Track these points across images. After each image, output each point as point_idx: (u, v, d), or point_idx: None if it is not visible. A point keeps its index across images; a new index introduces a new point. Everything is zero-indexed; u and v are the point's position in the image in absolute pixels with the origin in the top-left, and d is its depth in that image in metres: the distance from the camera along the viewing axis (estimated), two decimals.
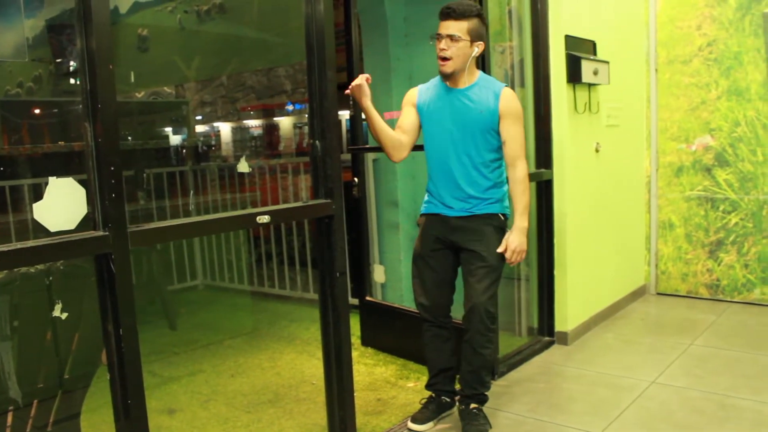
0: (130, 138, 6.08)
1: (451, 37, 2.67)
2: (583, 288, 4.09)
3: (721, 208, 4.68)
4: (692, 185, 4.78)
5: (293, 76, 10.08)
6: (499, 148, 2.81)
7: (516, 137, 2.77)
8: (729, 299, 4.71)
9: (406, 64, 4.38)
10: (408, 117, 2.90)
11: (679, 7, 4.71)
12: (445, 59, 2.69)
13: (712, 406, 3.03)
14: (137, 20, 5.34)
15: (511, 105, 2.76)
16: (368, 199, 4.29)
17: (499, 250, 2.77)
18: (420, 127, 2.91)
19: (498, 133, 2.77)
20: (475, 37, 2.71)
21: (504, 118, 2.74)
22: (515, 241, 2.76)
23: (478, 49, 2.73)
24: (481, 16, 2.74)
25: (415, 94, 2.91)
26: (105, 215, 1.84)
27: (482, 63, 3.29)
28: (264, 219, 2.29)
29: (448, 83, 2.80)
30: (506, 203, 2.89)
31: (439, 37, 2.70)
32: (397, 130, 2.88)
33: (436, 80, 2.89)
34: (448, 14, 2.68)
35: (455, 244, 2.85)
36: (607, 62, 4.08)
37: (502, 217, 2.85)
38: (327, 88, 2.48)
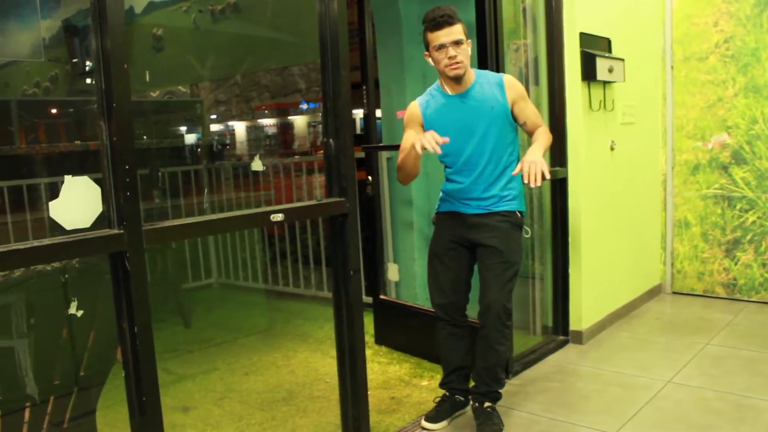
0: (145, 137, 6.12)
1: (457, 42, 2.67)
2: (597, 287, 4.07)
3: (738, 206, 4.64)
4: (709, 183, 4.74)
5: (307, 75, 10.10)
6: (513, 140, 2.84)
7: (533, 113, 2.85)
8: (746, 299, 4.67)
9: (420, 62, 4.36)
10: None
11: (695, 4, 4.67)
12: (457, 63, 2.68)
13: (728, 406, 3.00)
14: (152, 20, 5.37)
15: (517, 90, 2.81)
16: (382, 198, 4.29)
17: (516, 168, 2.61)
18: None
19: (511, 123, 2.81)
20: (467, 35, 2.74)
21: (516, 102, 2.79)
22: (531, 155, 2.61)
23: (469, 47, 2.76)
24: None
25: (418, 114, 2.87)
26: (120, 213, 1.85)
27: (496, 61, 3.28)
28: (278, 217, 2.29)
29: (452, 89, 2.79)
30: (523, 201, 2.89)
31: (443, 46, 2.67)
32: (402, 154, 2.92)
33: (432, 91, 2.88)
34: (444, 22, 2.66)
35: (472, 241, 2.84)
36: (622, 59, 4.05)
37: (519, 215, 2.85)
38: (341, 87, 2.48)
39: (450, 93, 2.80)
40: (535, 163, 2.55)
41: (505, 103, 2.76)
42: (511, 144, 2.83)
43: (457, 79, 2.74)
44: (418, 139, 2.54)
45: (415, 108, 2.90)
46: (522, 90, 2.82)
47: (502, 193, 2.80)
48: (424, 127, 2.85)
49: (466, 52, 2.71)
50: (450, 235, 2.88)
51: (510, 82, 2.80)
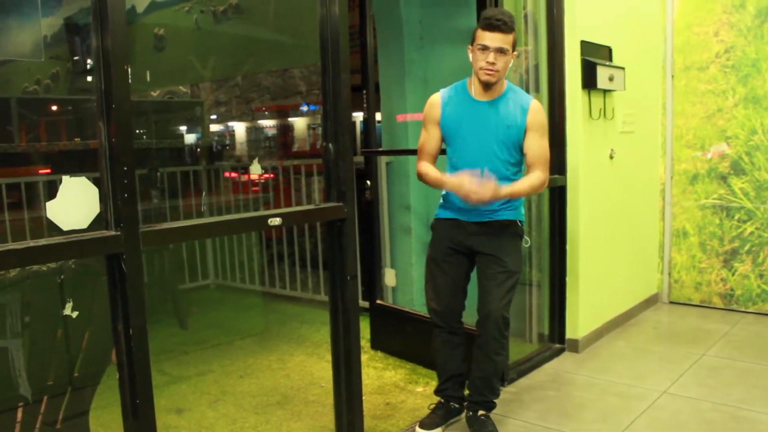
0: (144, 137, 6.11)
1: (501, 51, 2.62)
2: (594, 295, 4.06)
3: (736, 217, 4.64)
4: (707, 193, 4.74)
5: (308, 78, 10.09)
6: (520, 162, 2.80)
7: (541, 151, 2.74)
8: (743, 309, 4.67)
9: (421, 66, 4.37)
10: (432, 140, 2.85)
11: (696, 13, 4.68)
12: (492, 70, 2.63)
13: (724, 417, 3.00)
14: (154, 20, 5.37)
15: (538, 119, 2.73)
16: (381, 203, 4.29)
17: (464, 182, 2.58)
18: (442, 142, 2.88)
19: (522, 147, 2.75)
20: (515, 48, 2.69)
21: (530, 131, 2.71)
22: (494, 188, 2.56)
23: (514, 60, 2.73)
24: None
25: (437, 110, 2.82)
26: (117, 215, 1.84)
27: None
28: (275, 221, 2.29)
29: (478, 93, 2.75)
30: (522, 211, 2.88)
31: (486, 48, 2.62)
32: (424, 156, 2.87)
33: (457, 89, 2.83)
34: (498, 27, 2.58)
35: (471, 249, 2.83)
36: (622, 68, 4.05)
37: (519, 224, 2.84)
38: (341, 91, 2.48)
39: (474, 97, 2.77)
40: (474, 191, 2.55)
41: (522, 125, 2.71)
42: (517, 165, 2.79)
43: (487, 86, 2.71)
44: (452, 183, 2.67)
45: (436, 101, 2.84)
46: (543, 122, 2.75)
47: (502, 206, 2.77)
48: (440, 123, 2.82)
49: (507, 63, 2.66)
50: (449, 241, 2.86)
51: (535, 108, 2.74)
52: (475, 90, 2.76)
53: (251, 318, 5.18)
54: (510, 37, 2.62)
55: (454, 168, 2.83)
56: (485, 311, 2.74)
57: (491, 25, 2.59)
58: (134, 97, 1.91)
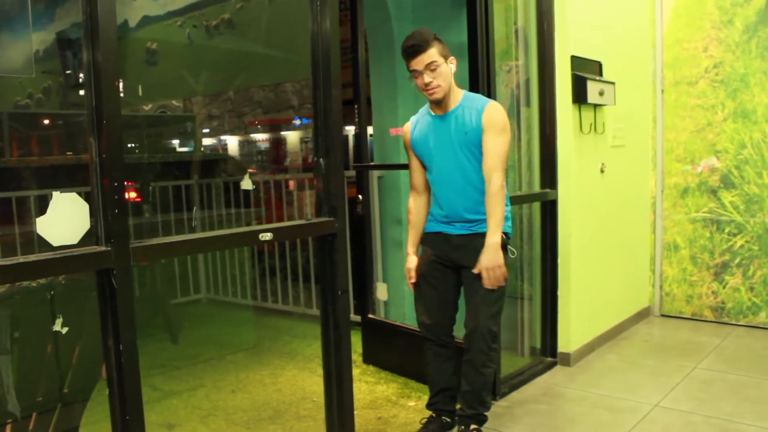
0: (137, 151, 6.10)
1: (430, 66, 2.67)
2: (586, 309, 4.07)
3: (726, 230, 4.66)
4: (698, 207, 4.77)
5: (300, 92, 10.12)
6: None
7: (495, 150, 2.69)
8: (734, 322, 4.68)
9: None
10: (415, 169, 2.98)
11: (685, 29, 4.72)
12: (433, 88, 2.70)
13: (715, 431, 3.00)
14: (146, 34, 5.38)
15: (493, 118, 2.71)
16: (372, 217, 4.29)
17: (474, 271, 2.70)
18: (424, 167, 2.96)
19: None
20: (445, 55, 2.72)
21: (485, 131, 2.70)
22: (485, 260, 2.66)
23: (453, 65, 2.75)
24: (437, 37, 2.73)
25: (408, 136, 2.94)
26: (108, 230, 1.84)
27: (487, 82, 3.30)
28: (266, 236, 2.29)
29: (437, 109, 2.81)
30: (508, 223, 2.88)
31: (416, 73, 2.70)
32: (413, 191, 3.02)
33: (423, 111, 2.92)
34: (415, 51, 2.67)
35: (456, 262, 2.84)
36: (612, 83, 4.08)
37: (504, 236, 2.84)
38: (332, 106, 2.49)
39: (434, 113, 2.83)
40: (489, 270, 2.67)
41: (478, 127, 2.71)
42: None
43: (438, 102, 2.77)
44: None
45: (406, 129, 2.96)
46: (497, 122, 2.70)
47: (484, 217, 2.78)
48: (412, 147, 2.93)
49: (445, 73, 2.70)
50: (435, 255, 2.88)
51: (490, 109, 2.72)
52: (433, 108, 2.84)
53: (243, 332, 5.17)
54: (432, 51, 2.67)
55: (435, 187, 2.89)
56: (471, 325, 2.75)
57: (409, 54, 2.70)
58: (126, 111, 1.91)
